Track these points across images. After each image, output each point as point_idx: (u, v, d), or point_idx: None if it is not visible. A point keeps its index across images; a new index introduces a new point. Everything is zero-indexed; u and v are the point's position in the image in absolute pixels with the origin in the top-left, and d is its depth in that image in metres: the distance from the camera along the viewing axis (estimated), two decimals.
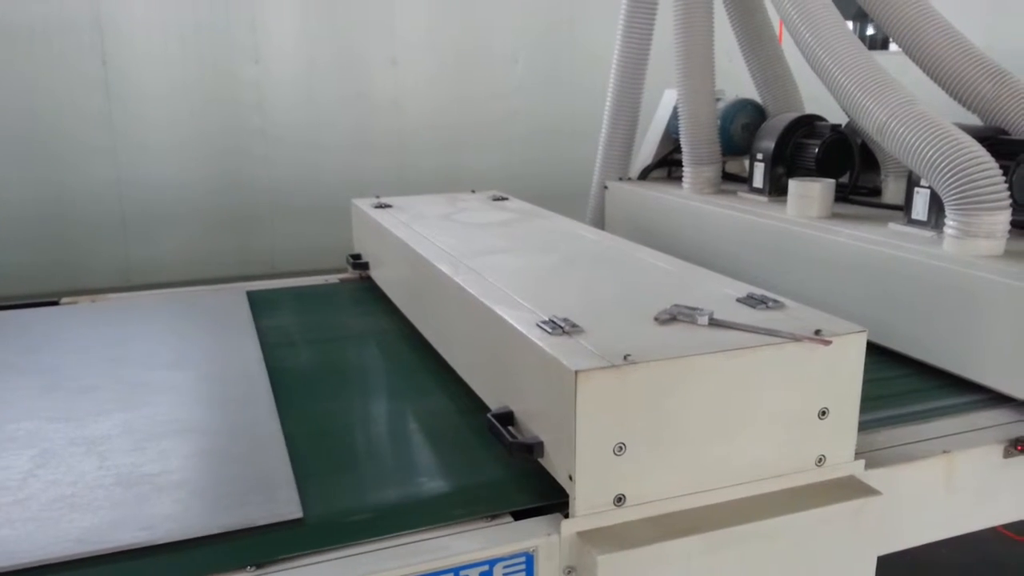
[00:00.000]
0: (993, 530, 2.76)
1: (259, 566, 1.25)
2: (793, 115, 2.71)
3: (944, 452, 1.62)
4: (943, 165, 1.92)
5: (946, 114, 2.06)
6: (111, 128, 3.90)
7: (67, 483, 1.48)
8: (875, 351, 2.04)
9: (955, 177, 1.91)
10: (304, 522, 1.36)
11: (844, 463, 1.50)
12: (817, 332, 1.44)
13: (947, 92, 2.34)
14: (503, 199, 2.84)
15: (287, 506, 1.40)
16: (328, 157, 4.22)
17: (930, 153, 1.94)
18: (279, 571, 1.24)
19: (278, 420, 1.72)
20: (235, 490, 1.46)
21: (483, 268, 1.90)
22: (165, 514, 1.38)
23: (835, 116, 2.57)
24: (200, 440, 1.65)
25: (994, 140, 2.10)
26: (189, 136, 4.02)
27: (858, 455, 1.52)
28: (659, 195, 2.93)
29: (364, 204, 2.77)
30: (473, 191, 2.99)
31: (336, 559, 1.28)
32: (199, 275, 3.74)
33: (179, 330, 2.33)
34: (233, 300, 2.57)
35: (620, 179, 3.18)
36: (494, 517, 1.39)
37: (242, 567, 1.24)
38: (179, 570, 1.26)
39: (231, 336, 2.25)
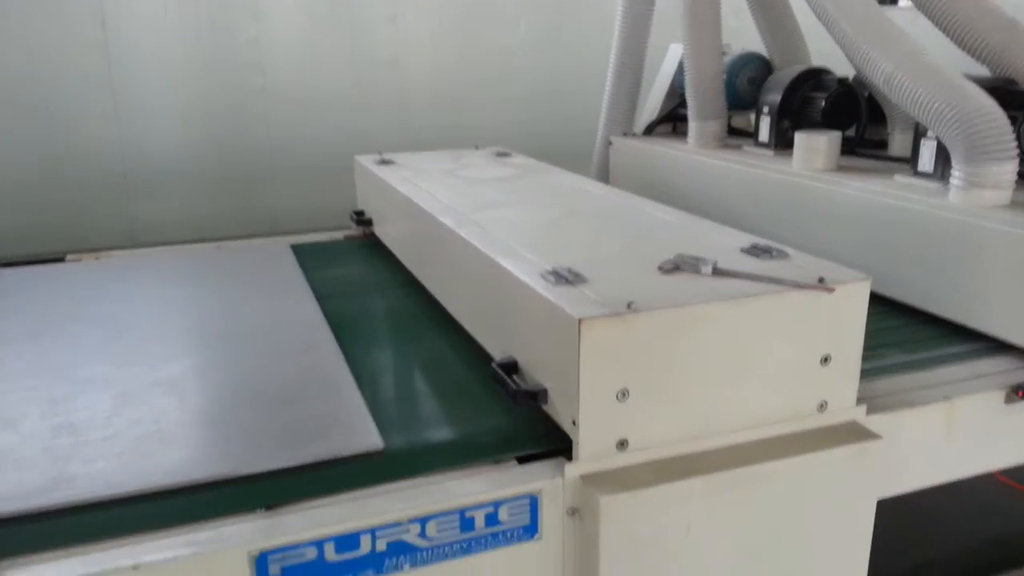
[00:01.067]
0: (994, 480, 2.79)
1: (269, 507, 1.27)
2: (800, 68, 2.68)
3: (945, 398, 1.64)
4: (950, 116, 1.90)
5: (954, 65, 2.04)
6: (112, 90, 3.87)
7: (151, 421, 1.54)
8: (880, 302, 2.04)
9: (962, 127, 1.89)
10: (384, 453, 1.43)
11: (846, 409, 1.52)
12: (821, 280, 1.45)
13: (956, 43, 2.31)
14: (506, 155, 2.83)
15: (368, 439, 1.45)
16: (329, 116, 4.19)
17: (937, 104, 1.92)
18: (288, 512, 1.27)
19: (344, 361, 1.78)
20: (315, 425, 1.51)
21: (486, 222, 1.90)
22: (251, 448, 1.44)
23: (843, 72, 2.54)
24: (274, 380, 1.71)
25: (1003, 91, 2.08)
26: (190, 96, 3.99)
27: (860, 401, 1.53)
28: (663, 150, 2.91)
29: (367, 161, 2.76)
30: (476, 147, 2.97)
31: (342, 502, 1.30)
32: (202, 235, 3.74)
33: (222, 280, 2.37)
34: (270, 253, 2.65)
35: (624, 135, 3.16)
36: (499, 462, 1.41)
37: (325, 494, 1.31)
38: (270, 497, 1.30)
39: (280, 285, 2.30)
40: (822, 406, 1.49)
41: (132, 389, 1.66)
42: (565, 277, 1.48)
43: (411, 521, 1.29)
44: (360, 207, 2.88)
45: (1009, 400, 1.67)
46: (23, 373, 1.75)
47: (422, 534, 1.30)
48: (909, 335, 1.94)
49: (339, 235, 2.87)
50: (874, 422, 1.53)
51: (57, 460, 1.41)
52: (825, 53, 2.75)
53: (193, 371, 1.74)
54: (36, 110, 3.76)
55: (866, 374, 1.58)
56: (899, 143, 2.52)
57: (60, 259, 2.57)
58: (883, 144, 2.61)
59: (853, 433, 1.49)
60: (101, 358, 1.81)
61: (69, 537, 1.21)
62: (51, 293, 2.24)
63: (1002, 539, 2.62)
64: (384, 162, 2.71)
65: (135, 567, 1.15)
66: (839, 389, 1.50)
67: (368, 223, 2.77)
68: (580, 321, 1.29)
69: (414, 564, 1.31)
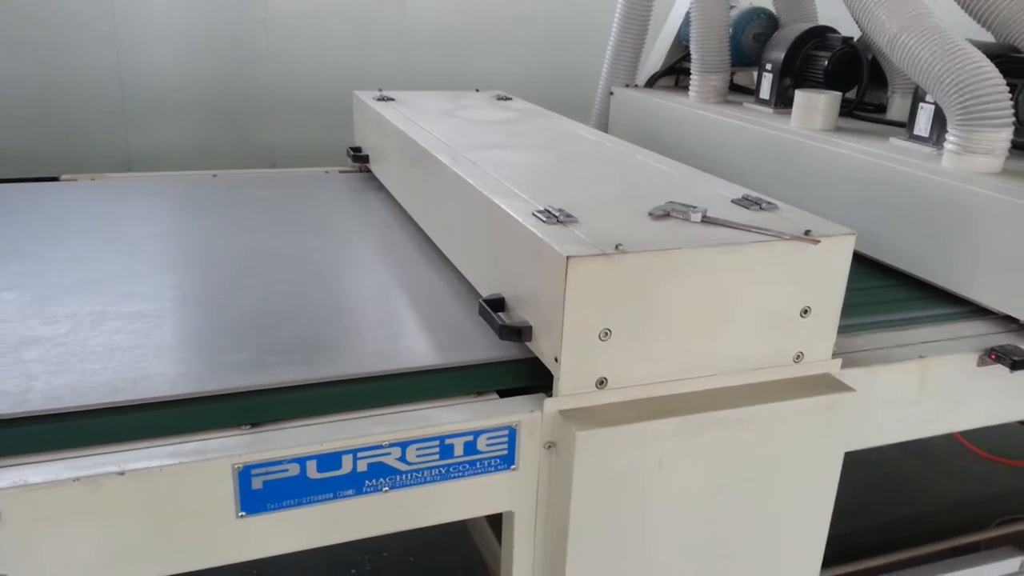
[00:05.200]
0: (963, 448, 2.86)
1: (254, 424, 1.31)
2: (805, 26, 2.66)
3: (920, 357, 1.67)
4: (949, 79, 1.91)
5: (959, 32, 2.03)
6: (112, 12, 3.82)
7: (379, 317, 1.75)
8: (865, 263, 2.07)
9: (960, 91, 1.89)
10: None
11: (821, 361, 1.55)
12: (807, 232, 1.47)
13: (963, 7, 2.30)
14: (507, 99, 2.82)
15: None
16: (331, 53, 4.15)
17: (938, 66, 1.93)
18: (271, 430, 1.30)
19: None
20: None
21: (482, 161, 1.90)
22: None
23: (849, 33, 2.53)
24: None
25: (1005, 58, 2.08)
26: (191, 24, 3.94)
27: (836, 355, 1.57)
28: (664, 103, 2.90)
29: (366, 96, 2.75)
30: (477, 90, 2.96)
31: (327, 423, 1.34)
32: (199, 167, 3.73)
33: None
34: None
35: (626, 86, 3.15)
36: (480, 394, 1.45)
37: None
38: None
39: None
40: (798, 357, 1.52)
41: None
42: (556, 217, 1.49)
43: (392, 445, 1.32)
44: (357, 143, 2.88)
45: (982, 363, 1.70)
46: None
47: (402, 458, 1.34)
48: (891, 295, 1.97)
49: (335, 171, 2.86)
50: (848, 376, 1.56)
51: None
52: (833, 19, 2.73)
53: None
54: (35, 28, 3.71)
55: (845, 330, 1.60)
56: (898, 107, 2.53)
57: (55, 179, 2.56)
58: (882, 108, 2.62)
59: (827, 385, 1.52)
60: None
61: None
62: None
63: (964, 502, 2.70)
64: (383, 99, 2.70)
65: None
66: (816, 341, 1.53)
67: (364, 159, 2.77)
68: (568, 259, 1.31)
69: (394, 487, 1.35)
